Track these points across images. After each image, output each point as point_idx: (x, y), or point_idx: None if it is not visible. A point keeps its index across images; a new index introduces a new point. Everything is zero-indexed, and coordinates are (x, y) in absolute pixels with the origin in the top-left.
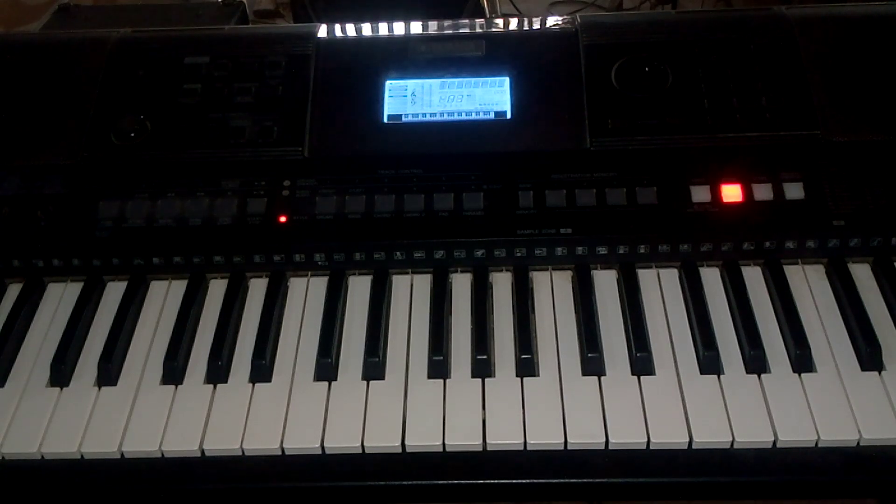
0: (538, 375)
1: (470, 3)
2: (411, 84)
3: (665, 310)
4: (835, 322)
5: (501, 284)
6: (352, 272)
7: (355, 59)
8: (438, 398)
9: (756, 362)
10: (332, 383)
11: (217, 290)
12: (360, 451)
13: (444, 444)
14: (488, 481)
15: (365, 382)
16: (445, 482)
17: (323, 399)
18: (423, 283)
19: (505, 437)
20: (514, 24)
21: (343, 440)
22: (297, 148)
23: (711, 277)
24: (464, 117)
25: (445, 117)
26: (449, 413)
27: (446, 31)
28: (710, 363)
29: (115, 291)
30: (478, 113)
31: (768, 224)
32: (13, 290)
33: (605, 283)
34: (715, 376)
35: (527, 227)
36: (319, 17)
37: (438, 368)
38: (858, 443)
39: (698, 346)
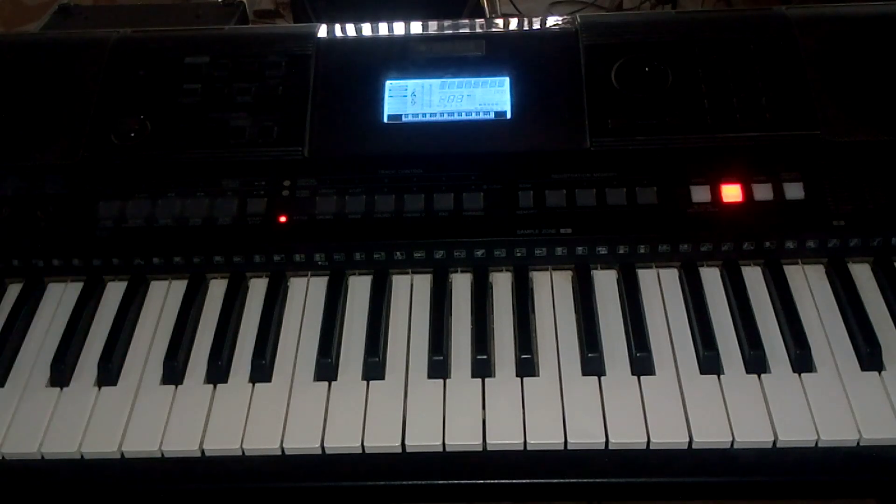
0: (538, 375)
1: (470, 3)
2: (411, 84)
3: (665, 310)
4: (835, 322)
5: (501, 284)
6: (352, 272)
7: (355, 60)
8: (438, 398)
9: (756, 362)
10: (332, 383)
11: (217, 290)
12: (360, 451)
13: (444, 444)
14: (488, 481)
15: (365, 382)
16: (445, 482)
17: (323, 399)
18: (423, 283)
19: (505, 437)
20: (514, 24)
21: (343, 440)
22: (297, 148)
23: (711, 277)
24: (464, 117)
25: (445, 117)
26: (449, 413)
27: (446, 31)
28: (710, 363)
29: (115, 291)
30: (478, 113)
31: (768, 224)
32: (13, 290)
33: (605, 283)
34: (715, 376)
35: (527, 227)
36: (319, 17)
37: (438, 368)
38: (858, 443)
39: (698, 346)
